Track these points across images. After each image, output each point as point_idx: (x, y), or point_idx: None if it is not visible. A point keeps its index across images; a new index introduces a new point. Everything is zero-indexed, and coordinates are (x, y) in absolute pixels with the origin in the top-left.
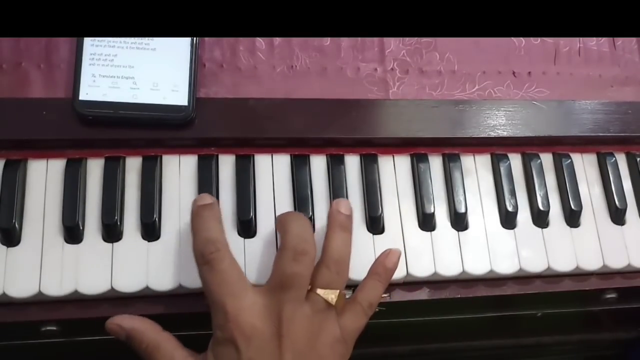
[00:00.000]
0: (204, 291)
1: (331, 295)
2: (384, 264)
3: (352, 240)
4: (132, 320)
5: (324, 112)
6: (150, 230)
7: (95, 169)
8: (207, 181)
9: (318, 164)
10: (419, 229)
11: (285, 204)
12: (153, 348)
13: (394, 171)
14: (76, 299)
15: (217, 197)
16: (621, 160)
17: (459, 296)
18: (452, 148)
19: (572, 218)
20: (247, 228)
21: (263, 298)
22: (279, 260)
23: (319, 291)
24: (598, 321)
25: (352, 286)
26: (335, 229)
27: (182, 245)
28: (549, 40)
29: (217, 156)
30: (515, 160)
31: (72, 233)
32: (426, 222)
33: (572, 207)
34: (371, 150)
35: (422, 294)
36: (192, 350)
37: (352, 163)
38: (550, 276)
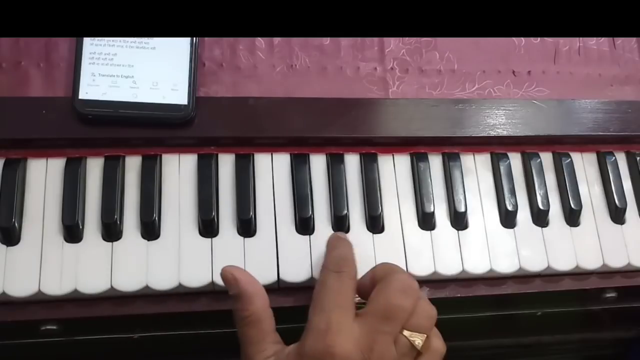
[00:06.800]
0: (317, 294)
1: (418, 340)
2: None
3: None
4: (248, 282)
5: (324, 111)
6: (150, 230)
7: (95, 168)
8: (206, 180)
9: (318, 163)
10: (418, 228)
11: (285, 203)
12: (254, 321)
13: (394, 170)
14: (76, 298)
15: (217, 197)
16: (621, 159)
17: (459, 295)
18: (452, 147)
19: (572, 217)
20: (246, 227)
21: (361, 325)
22: (387, 288)
23: (406, 333)
24: (598, 320)
25: None
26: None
27: (182, 244)
28: (549, 39)
29: (217, 155)
30: (515, 160)
31: (72, 232)
32: (426, 221)
33: (572, 206)
34: (371, 149)
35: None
36: (279, 338)
37: (352, 162)
38: (550, 275)
